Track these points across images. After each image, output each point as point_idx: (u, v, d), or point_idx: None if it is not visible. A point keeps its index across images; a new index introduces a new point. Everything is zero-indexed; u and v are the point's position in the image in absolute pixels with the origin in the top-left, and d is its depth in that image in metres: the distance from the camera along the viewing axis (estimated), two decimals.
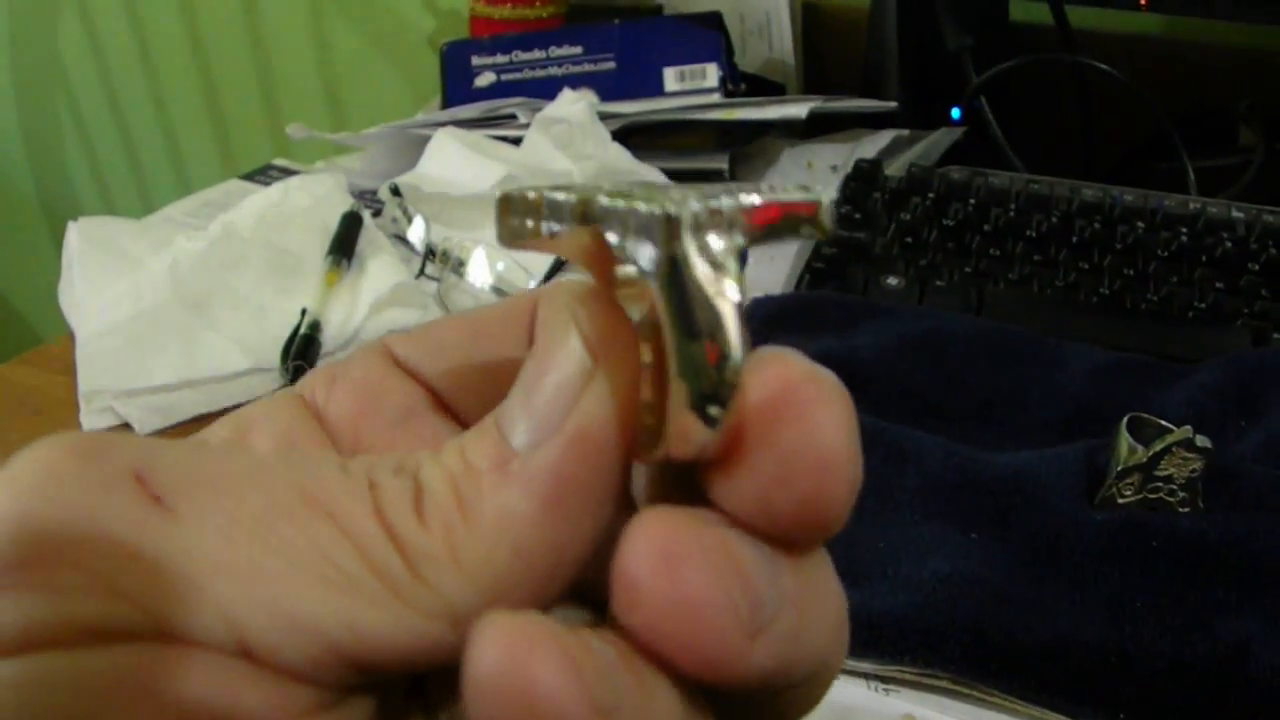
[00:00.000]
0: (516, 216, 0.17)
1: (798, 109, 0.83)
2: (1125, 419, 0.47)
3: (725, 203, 0.16)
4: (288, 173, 0.87)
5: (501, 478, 0.16)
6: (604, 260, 0.17)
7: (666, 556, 0.15)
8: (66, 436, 0.16)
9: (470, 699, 0.14)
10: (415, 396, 0.21)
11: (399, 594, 0.16)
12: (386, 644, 0.16)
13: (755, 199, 0.16)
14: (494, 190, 0.73)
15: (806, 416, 0.16)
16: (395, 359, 0.21)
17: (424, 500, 0.16)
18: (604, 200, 0.16)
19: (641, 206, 0.15)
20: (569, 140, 0.78)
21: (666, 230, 0.15)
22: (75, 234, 0.68)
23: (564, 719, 0.14)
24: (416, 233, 0.71)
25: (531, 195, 0.17)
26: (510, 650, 0.14)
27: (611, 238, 0.16)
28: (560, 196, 0.17)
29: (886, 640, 0.42)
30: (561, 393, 0.16)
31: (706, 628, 0.15)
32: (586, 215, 0.16)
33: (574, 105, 0.80)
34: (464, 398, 0.21)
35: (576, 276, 0.18)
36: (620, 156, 0.77)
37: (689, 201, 0.15)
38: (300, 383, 0.21)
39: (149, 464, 0.16)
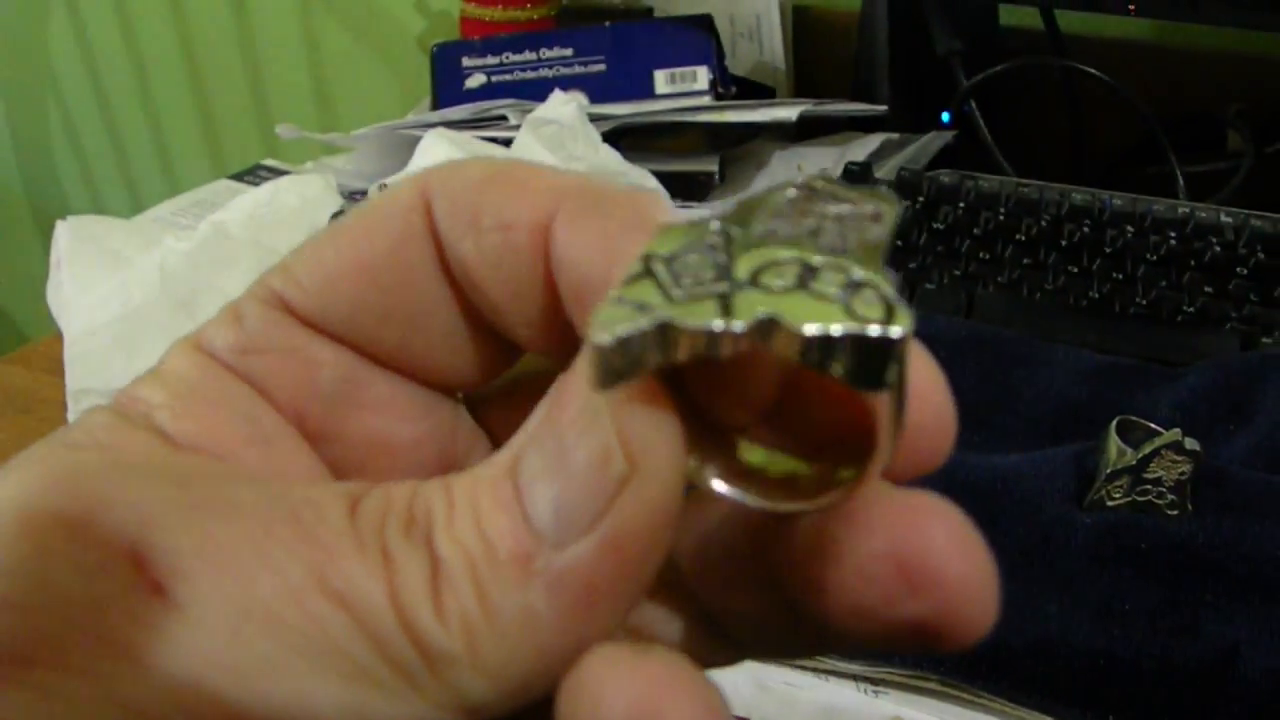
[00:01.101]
0: (626, 357, 0.14)
1: (788, 112, 0.83)
2: (1114, 422, 0.47)
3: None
4: (277, 173, 0.87)
5: (525, 576, 0.15)
6: None
7: (962, 538, 0.15)
8: (50, 491, 0.15)
9: None
10: (342, 360, 0.19)
11: (415, 688, 0.15)
12: None
13: (880, 237, 0.15)
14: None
15: (920, 396, 0.16)
16: (297, 317, 0.19)
17: (441, 586, 0.15)
18: (792, 326, 0.14)
19: (858, 330, 0.14)
20: (559, 142, 0.78)
21: (901, 353, 0.14)
22: (64, 233, 0.68)
23: None
24: None
25: (647, 326, 0.14)
26: (644, 698, 0.14)
27: (810, 359, 0.14)
28: (719, 324, 0.14)
29: None
30: (593, 489, 0.15)
31: (991, 598, 0.15)
32: (761, 333, 0.14)
33: (564, 107, 0.80)
34: (386, 350, 0.19)
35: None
36: (611, 159, 0.77)
37: (899, 310, 0.14)
38: (203, 337, 0.19)
39: (147, 540, 0.15)
